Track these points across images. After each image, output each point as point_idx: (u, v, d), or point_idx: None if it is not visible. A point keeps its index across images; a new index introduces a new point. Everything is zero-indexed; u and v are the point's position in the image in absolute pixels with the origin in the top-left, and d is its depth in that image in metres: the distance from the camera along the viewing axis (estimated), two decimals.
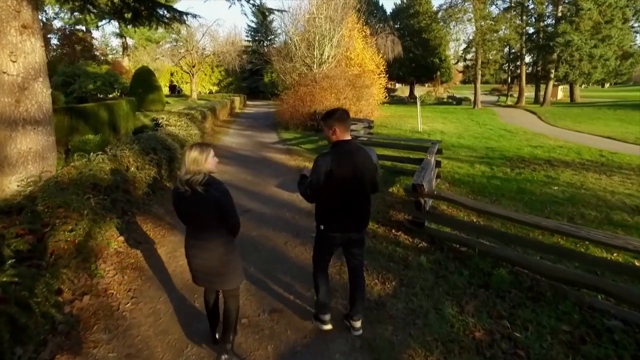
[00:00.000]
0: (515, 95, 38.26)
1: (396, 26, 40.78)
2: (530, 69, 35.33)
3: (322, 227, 2.87)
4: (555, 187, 7.29)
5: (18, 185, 4.28)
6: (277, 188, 7.30)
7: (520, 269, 3.89)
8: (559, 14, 28.64)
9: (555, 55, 28.47)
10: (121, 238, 4.73)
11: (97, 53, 29.55)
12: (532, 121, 21.96)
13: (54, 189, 3.75)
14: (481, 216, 5.43)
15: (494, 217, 4.68)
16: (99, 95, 22.31)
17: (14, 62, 4.64)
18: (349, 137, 2.77)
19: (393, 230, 5.12)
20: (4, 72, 4.55)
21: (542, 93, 33.94)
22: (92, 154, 5.13)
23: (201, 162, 2.39)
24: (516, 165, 9.35)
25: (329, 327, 3.03)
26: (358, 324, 3.02)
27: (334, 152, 2.72)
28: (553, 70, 29.55)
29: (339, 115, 2.75)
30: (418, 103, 16.23)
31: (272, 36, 47.47)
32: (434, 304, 3.45)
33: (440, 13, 31.01)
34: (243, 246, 4.56)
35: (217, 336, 2.92)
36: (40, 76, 4.91)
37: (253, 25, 49.37)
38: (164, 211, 6.05)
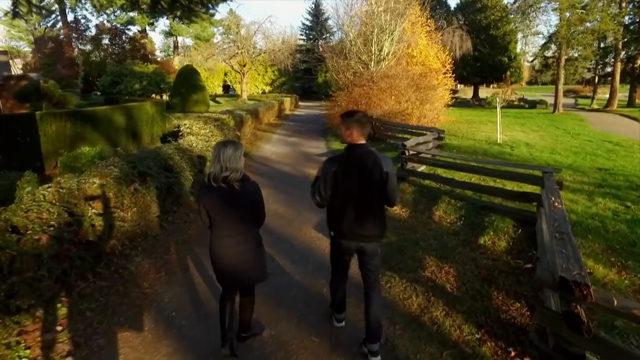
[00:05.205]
0: (599, 97, 33.06)
1: (460, 23, 37.23)
2: (623, 66, 30.00)
3: (332, 233, 2.81)
4: None
5: None
6: (316, 231, 5.20)
7: None
8: None
9: None
10: (47, 337, 2.86)
11: (147, 53, 29.40)
12: (637, 129, 17.87)
13: None
14: None
15: None
16: (152, 95, 21.84)
17: None
18: (364, 141, 2.66)
19: (513, 354, 2.78)
20: None
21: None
22: (25, 190, 3.36)
23: (238, 159, 2.47)
24: None
25: (342, 324, 3.13)
26: (375, 347, 2.71)
27: (343, 155, 2.67)
28: None
29: (359, 118, 2.65)
30: (498, 107, 13.17)
31: (327, 34, 45.82)
32: None
33: (517, 3, 27.04)
34: None
35: (227, 336, 2.80)
36: None
37: (308, 23, 48.09)
38: (149, 265, 4.19)
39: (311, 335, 3.04)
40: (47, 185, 3.65)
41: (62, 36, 30.58)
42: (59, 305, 3.16)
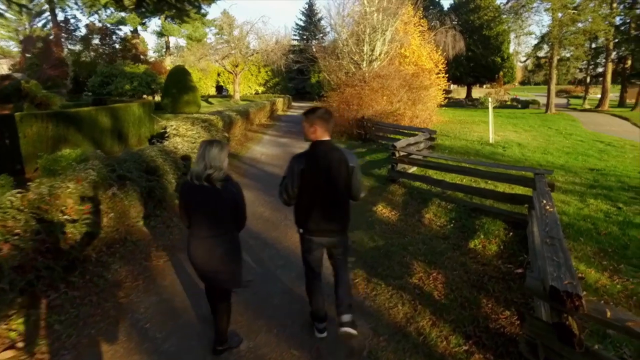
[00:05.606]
0: (591, 97, 33.21)
1: (453, 23, 37.25)
2: (614, 66, 30.12)
3: (301, 230, 2.83)
4: None
5: None
6: None
7: None
8: None
9: None
10: (6, 355, 2.68)
11: (138, 53, 29.00)
12: (628, 129, 18.06)
13: None
14: None
15: None
16: (143, 96, 21.49)
17: None
18: (328, 137, 2.68)
19: None
20: None
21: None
22: None
23: (222, 159, 2.47)
24: None
25: (324, 334, 2.97)
26: (346, 317, 2.72)
27: (309, 152, 2.67)
28: None
29: (322, 114, 2.66)
30: (490, 107, 13.12)
31: (321, 35, 45.67)
32: None
33: (510, 3, 27.07)
34: None
35: None
36: None
37: (301, 23, 47.93)
38: (127, 273, 4.02)
39: (291, 348, 2.88)
40: (16, 191, 3.47)
41: (51, 36, 30.15)
42: (23, 319, 2.98)
